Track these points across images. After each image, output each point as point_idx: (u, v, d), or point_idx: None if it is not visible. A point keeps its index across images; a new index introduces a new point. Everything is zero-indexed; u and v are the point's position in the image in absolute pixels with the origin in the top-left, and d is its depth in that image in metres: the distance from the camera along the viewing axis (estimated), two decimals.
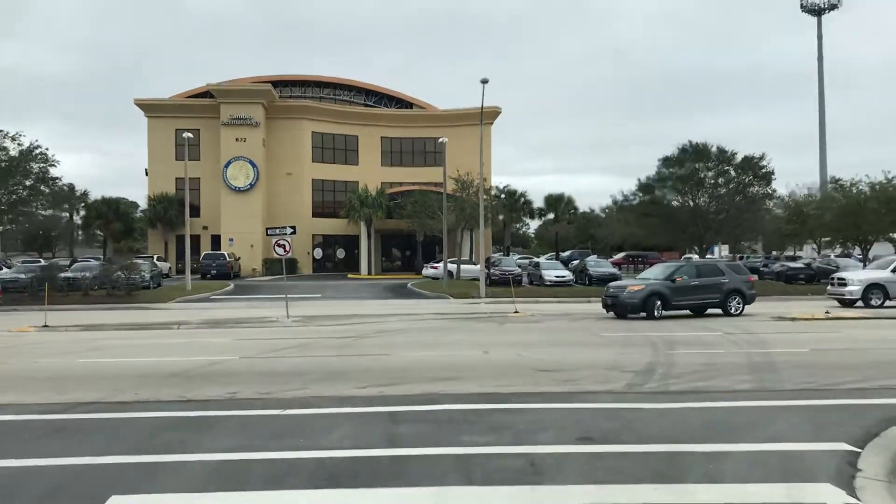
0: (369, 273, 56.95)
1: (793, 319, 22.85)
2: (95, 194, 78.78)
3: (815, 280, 44.14)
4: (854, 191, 39.51)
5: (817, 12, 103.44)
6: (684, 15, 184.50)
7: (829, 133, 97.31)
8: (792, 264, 45.26)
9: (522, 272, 45.52)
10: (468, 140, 57.82)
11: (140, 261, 42.60)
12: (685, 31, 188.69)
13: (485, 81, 35.03)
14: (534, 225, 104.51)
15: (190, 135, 42.38)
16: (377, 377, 12.67)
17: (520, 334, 19.54)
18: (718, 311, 24.90)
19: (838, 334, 19.37)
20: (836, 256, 53.37)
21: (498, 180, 60.74)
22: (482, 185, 38.97)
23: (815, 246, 57.59)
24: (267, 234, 24.16)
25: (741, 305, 24.64)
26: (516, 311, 25.97)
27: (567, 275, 42.88)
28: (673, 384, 12.18)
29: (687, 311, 24.93)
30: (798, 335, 19.21)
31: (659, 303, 23.52)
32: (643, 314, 23.53)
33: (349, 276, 56.58)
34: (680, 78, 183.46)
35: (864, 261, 40.58)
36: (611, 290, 24.52)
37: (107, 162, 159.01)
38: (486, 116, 62.27)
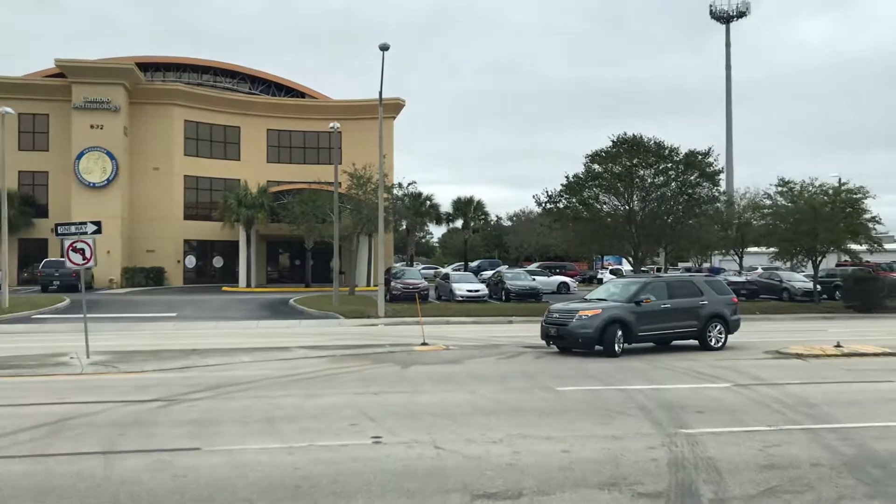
0: (249, 285, 48.76)
1: (799, 356, 16.90)
2: None
3: (757, 296, 39.34)
4: (805, 195, 34.59)
5: (726, 20, 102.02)
6: (581, 29, 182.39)
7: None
8: (733, 278, 40.28)
9: (429, 285, 38.75)
10: (367, 135, 50.72)
11: None
12: (581, 45, 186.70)
13: (384, 48, 28.19)
14: (438, 232, 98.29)
15: (10, 110, 33.45)
16: None
17: (433, 390, 12.68)
18: (692, 341, 18.71)
19: (892, 385, 13.43)
20: (767, 269, 49.13)
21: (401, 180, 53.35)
22: (382, 180, 31.96)
23: (735, 258, 53.09)
24: (56, 234, 16.46)
25: (723, 336, 18.51)
26: (424, 343, 19.04)
27: (481, 289, 36.35)
28: None
29: (650, 344, 18.65)
30: (842, 388, 13.15)
31: (620, 333, 17.10)
32: (599, 348, 17.09)
33: (224, 288, 48.29)
34: (577, 91, 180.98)
35: (816, 274, 35.80)
36: (554, 315, 17.91)
37: None
38: (388, 109, 55.47)
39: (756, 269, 54.05)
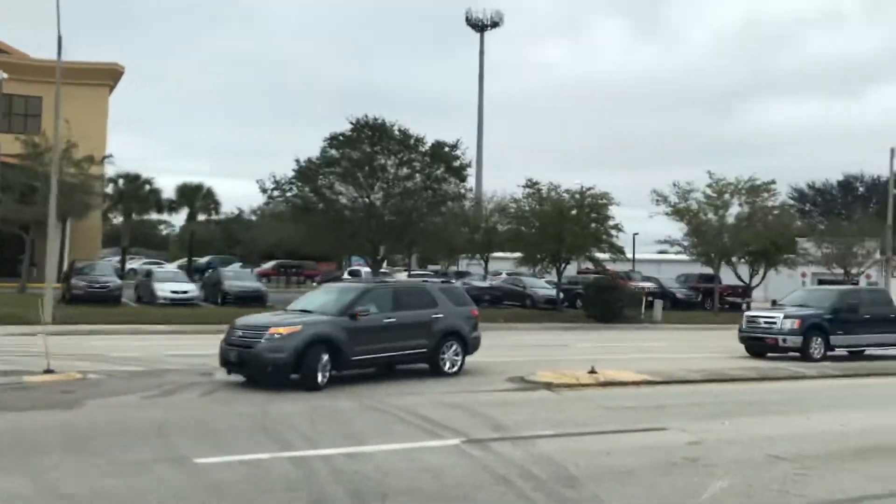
0: None
1: (549, 386, 13.55)
2: None
3: (501, 302, 37.29)
4: (553, 197, 32.86)
5: (481, 28, 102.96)
6: (344, 29, 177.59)
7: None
8: (476, 283, 37.92)
9: (123, 284, 32.01)
10: (84, 105, 42.24)
11: None
12: (345, 45, 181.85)
13: None
14: (179, 223, 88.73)
15: None
16: None
17: (12, 467, 7.36)
18: (423, 365, 14.78)
19: (667, 436, 10.16)
20: (510, 274, 47.89)
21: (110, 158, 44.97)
22: (58, 147, 25.22)
23: (481, 262, 51.48)
24: None
25: (460, 358, 14.76)
26: (49, 370, 13.30)
27: (190, 289, 30.55)
28: None
29: (371, 369, 14.44)
30: (608, 443, 9.64)
31: (327, 358, 12.70)
32: (296, 377, 12.57)
33: None
34: (339, 91, 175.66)
35: (559, 281, 34.26)
36: (238, 333, 13.06)
37: None
38: (103, 74, 47.77)
39: (501, 273, 52.89)
